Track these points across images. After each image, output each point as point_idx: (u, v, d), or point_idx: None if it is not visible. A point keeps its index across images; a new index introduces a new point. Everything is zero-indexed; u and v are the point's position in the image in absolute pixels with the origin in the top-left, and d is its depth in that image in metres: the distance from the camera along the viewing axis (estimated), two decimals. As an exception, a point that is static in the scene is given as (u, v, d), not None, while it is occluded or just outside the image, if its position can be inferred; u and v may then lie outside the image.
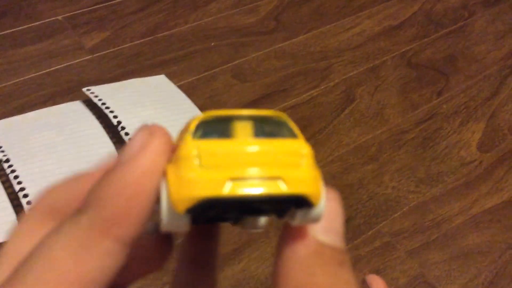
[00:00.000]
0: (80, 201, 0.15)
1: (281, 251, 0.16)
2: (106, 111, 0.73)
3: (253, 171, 0.14)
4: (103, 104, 0.74)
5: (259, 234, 0.63)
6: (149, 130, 0.15)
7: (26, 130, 0.70)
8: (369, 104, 0.83)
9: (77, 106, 0.76)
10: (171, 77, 0.83)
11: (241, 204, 0.14)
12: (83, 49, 0.88)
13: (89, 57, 0.87)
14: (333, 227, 0.16)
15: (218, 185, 0.14)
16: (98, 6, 0.97)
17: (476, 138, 0.79)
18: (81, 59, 0.86)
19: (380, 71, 0.89)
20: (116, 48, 0.89)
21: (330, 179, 0.71)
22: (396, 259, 0.63)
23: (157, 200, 0.14)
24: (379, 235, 0.65)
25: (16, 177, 0.64)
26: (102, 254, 0.13)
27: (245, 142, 0.14)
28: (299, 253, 0.15)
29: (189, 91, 0.81)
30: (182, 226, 0.14)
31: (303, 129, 0.78)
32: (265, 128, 0.15)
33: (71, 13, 0.95)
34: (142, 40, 0.91)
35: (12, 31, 0.91)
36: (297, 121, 0.79)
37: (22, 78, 0.82)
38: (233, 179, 0.14)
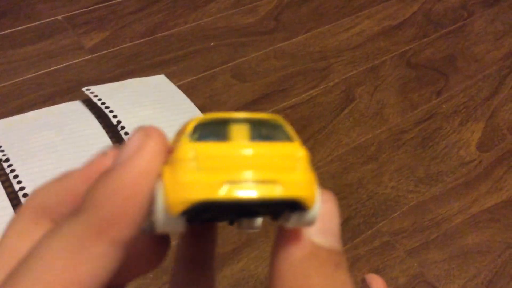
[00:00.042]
0: (71, 199, 0.16)
1: (277, 253, 0.16)
2: (106, 111, 0.73)
3: (248, 174, 0.14)
4: (103, 104, 0.74)
5: (258, 233, 0.63)
6: (145, 131, 0.15)
7: (26, 130, 0.70)
8: (369, 104, 0.83)
9: (76, 106, 0.76)
10: (170, 77, 0.83)
11: (236, 206, 0.14)
12: (82, 49, 0.88)
13: (88, 57, 0.87)
14: (328, 229, 0.16)
15: (213, 188, 0.14)
16: (97, 6, 0.97)
17: (476, 137, 0.79)
18: (80, 59, 0.86)
19: (379, 71, 0.89)
20: (115, 48, 0.89)
21: (330, 178, 0.71)
22: (396, 258, 0.63)
23: (153, 201, 0.14)
24: (379, 235, 0.66)
25: (15, 176, 0.64)
26: (99, 255, 0.13)
27: (241, 145, 0.15)
28: (294, 255, 0.15)
29: (189, 91, 0.81)
30: (177, 227, 0.14)
31: (303, 129, 0.78)
32: (261, 131, 0.16)
33: (71, 13, 0.95)
34: (141, 40, 0.91)
35: (12, 31, 0.91)
36: (296, 121, 0.80)
37: (21, 78, 0.82)
38: (229, 182, 0.14)
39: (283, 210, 0.15)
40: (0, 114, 0.75)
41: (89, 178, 0.15)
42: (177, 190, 0.14)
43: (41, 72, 0.83)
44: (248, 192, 0.14)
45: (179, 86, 0.81)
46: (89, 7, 0.97)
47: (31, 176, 0.64)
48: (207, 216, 0.15)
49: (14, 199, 0.62)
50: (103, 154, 0.16)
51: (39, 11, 0.95)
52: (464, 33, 0.99)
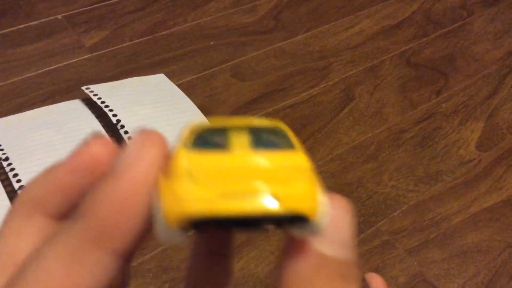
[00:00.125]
0: (59, 191, 0.16)
1: (283, 263, 0.16)
2: (106, 109, 0.73)
3: (247, 187, 0.14)
4: (102, 102, 0.74)
5: (258, 233, 0.63)
6: (146, 137, 0.15)
7: (25, 129, 0.70)
8: (368, 103, 0.83)
9: (76, 105, 0.76)
10: (170, 76, 0.83)
11: (236, 220, 0.14)
12: (82, 48, 0.88)
13: (88, 56, 0.87)
14: (337, 238, 0.15)
15: (210, 202, 0.13)
16: (97, 5, 0.97)
17: (475, 137, 0.79)
18: (80, 58, 0.86)
19: (379, 71, 0.89)
20: (115, 47, 0.89)
21: (329, 178, 0.71)
22: (395, 257, 0.63)
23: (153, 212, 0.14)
24: (378, 234, 0.66)
25: (15, 175, 0.64)
26: (94, 266, 0.13)
27: (240, 156, 0.14)
28: (299, 266, 0.15)
29: (188, 90, 0.81)
30: (178, 239, 0.14)
31: (302, 128, 0.78)
32: (262, 139, 0.15)
33: (70, 12, 0.95)
34: (141, 39, 0.91)
35: (11, 30, 0.90)
36: (296, 120, 0.80)
37: (21, 77, 0.82)
38: (227, 195, 0.13)
39: (286, 222, 0.14)
40: (-1, 113, 0.75)
41: (75, 169, 0.15)
42: (174, 203, 0.13)
43: (40, 71, 0.83)
44: (247, 207, 0.13)
45: (178, 85, 0.81)
46: (88, 6, 0.97)
47: (30, 175, 0.64)
48: (207, 228, 0.15)
49: (14, 198, 0.62)
50: (86, 143, 0.16)
51: (38, 10, 0.95)
52: (463, 33, 1.00)
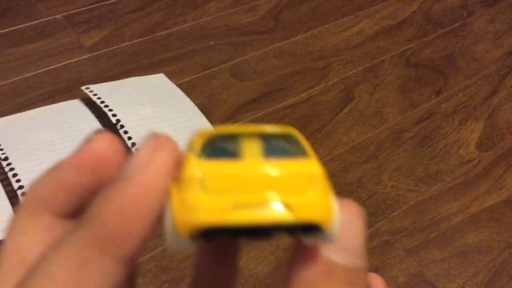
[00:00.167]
0: (64, 189, 0.15)
1: (290, 269, 0.15)
2: (105, 109, 0.73)
3: (260, 197, 0.13)
4: (102, 102, 0.74)
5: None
6: (157, 142, 0.14)
7: (25, 129, 0.70)
8: (368, 103, 0.83)
9: (75, 105, 0.76)
10: (170, 76, 0.83)
11: (247, 229, 0.13)
12: (82, 47, 0.88)
13: (88, 55, 0.87)
14: (348, 245, 0.15)
15: (222, 212, 0.13)
16: (97, 5, 0.97)
17: (475, 137, 0.79)
18: (80, 58, 0.86)
19: (379, 70, 0.89)
20: (115, 47, 0.89)
21: (329, 178, 0.71)
22: (395, 257, 0.63)
23: (163, 220, 0.14)
24: (378, 234, 0.65)
25: (14, 175, 0.64)
26: (101, 273, 0.13)
27: (252, 165, 0.14)
28: (308, 273, 0.15)
29: (188, 90, 0.81)
30: (188, 247, 0.14)
31: (302, 128, 0.78)
32: (274, 147, 0.15)
33: (70, 12, 0.95)
34: (141, 39, 0.91)
35: (11, 30, 0.90)
36: (296, 120, 0.80)
37: (20, 77, 0.82)
38: (238, 205, 0.13)
39: (298, 231, 0.14)
40: (-1, 113, 0.75)
41: (79, 167, 0.15)
42: (185, 213, 0.13)
43: (40, 70, 0.83)
44: (259, 216, 0.13)
45: (178, 85, 0.81)
46: (88, 5, 0.97)
47: (30, 174, 0.64)
48: (217, 237, 0.15)
49: (13, 198, 0.62)
50: (90, 140, 0.15)
51: (38, 10, 0.95)
52: (463, 33, 0.99)
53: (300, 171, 0.14)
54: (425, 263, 0.63)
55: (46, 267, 0.13)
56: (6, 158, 0.66)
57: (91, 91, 0.75)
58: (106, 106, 0.73)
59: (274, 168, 0.14)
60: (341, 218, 0.15)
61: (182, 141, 0.15)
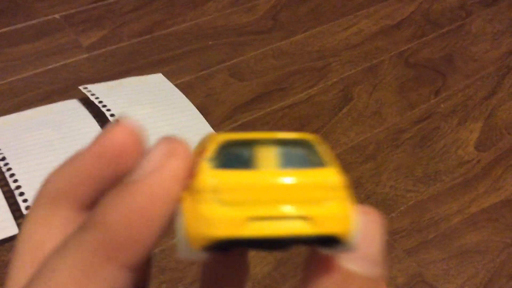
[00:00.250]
0: (85, 180, 0.15)
1: (305, 279, 0.15)
2: (103, 109, 0.72)
3: (277, 209, 0.13)
4: (100, 102, 0.73)
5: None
6: (170, 146, 0.14)
7: (23, 128, 0.70)
8: (367, 103, 0.83)
9: (74, 105, 0.75)
10: (168, 75, 0.83)
11: (263, 242, 0.13)
12: (80, 47, 0.88)
13: (86, 55, 0.87)
14: (366, 254, 0.15)
15: (237, 225, 0.13)
16: (95, 4, 0.97)
17: (474, 137, 0.79)
18: (78, 58, 0.86)
19: (377, 71, 0.89)
20: (113, 47, 0.89)
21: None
22: (394, 258, 0.63)
23: (174, 227, 0.13)
24: (377, 234, 0.65)
25: (12, 175, 0.63)
26: (107, 280, 0.13)
27: (268, 175, 0.13)
28: (324, 283, 0.14)
29: (187, 89, 0.81)
30: (199, 258, 0.13)
31: (301, 128, 0.77)
32: (291, 155, 0.14)
33: (68, 12, 0.95)
34: (139, 39, 0.91)
35: (9, 29, 0.90)
36: (294, 120, 0.80)
37: (18, 76, 0.81)
38: (254, 218, 0.13)
39: (316, 243, 0.14)
40: (-4, 113, 0.74)
41: (100, 156, 0.15)
42: (199, 225, 0.13)
43: (38, 70, 0.83)
44: (276, 229, 0.13)
45: (177, 85, 0.81)
46: (86, 5, 0.97)
47: (27, 175, 0.64)
48: (232, 249, 0.14)
49: (10, 198, 0.62)
50: (110, 129, 0.15)
51: (36, 9, 0.95)
52: (462, 33, 0.99)
53: (319, 181, 0.13)
54: (424, 264, 0.63)
55: (49, 274, 0.13)
56: (3, 158, 0.65)
57: (89, 91, 0.75)
58: (104, 106, 0.73)
59: (291, 178, 0.13)
60: (360, 227, 0.14)
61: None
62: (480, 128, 0.81)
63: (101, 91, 0.76)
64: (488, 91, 0.87)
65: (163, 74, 0.83)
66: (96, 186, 0.15)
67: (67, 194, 0.15)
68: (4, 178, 0.64)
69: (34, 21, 0.92)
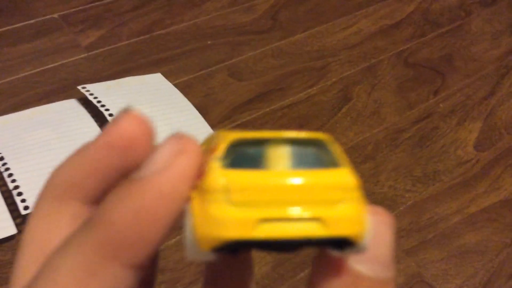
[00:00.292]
0: (95, 172, 0.14)
1: (314, 281, 0.15)
2: (102, 109, 0.72)
3: (289, 211, 0.13)
4: (99, 102, 0.73)
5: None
6: (180, 143, 0.13)
7: (21, 128, 0.70)
8: (366, 103, 0.83)
9: (72, 104, 0.75)
10: (167, 75, 0.83)
11: (274, 244, 0.13)
12: (78, 47, 0.88)
13: (84, 55, 0.86)
14: (376, 256, 0.14)
15: (248, 226, 0.12)
16: (94, 4, 0.97)
17: (473, 137, 0.79)
18: (76, 57, 0.86)
19: (377, 70, 0.89)
20: (112, 46, 0.88)
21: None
22: (393, 258, 0.63)
23: (182, 227, 0.13)
24: (376, 234, 0.65)
25: (10, 175, 0.63)
26: (110, 280, 0.12)
27: (280, 176, 0.13)
28: (332, 286, 0.14)
29: (185, 89, 0.80)
30: (208, 259, 0.13)
31: (300, 128, 0.77)
32: (304, 155, 0.14)
33: (67, 11, 0.95)
34: (138, 38, 0.90)
35: (7, 29, 0.90)
36: (293, 120, 0.80)
37: (16, 76, 0.81)
38: (265, 220, 0.13)
39: (328, 245, 0.13)
40: (-5, 112, 0.74)
41: (109, 147, 0.14)
42: (208, 225, 0.12)
43: (36, 70, 0.83)
44: (288, 231, 0.12)
45: (175, 85, 0.81)
46: (85, 5, 0.96)
47: (25, 174, 0.63)
48: (242, 250, 0.14)
49: (8, 198, 0.62)
50: (118, 119, 0.14)
51: (35, 9, 0.95)
52: (461, 33, 0.99)
53: (332, 182, 0.13)
54: (423, 264, 0.63)
55: (50, 274, 0.13)
56: (1, 158, 0.65)
57: (87, 91, 0.75)
58: (103, 105, 0.73)
59: (303, 178, 0.13)
60: (372, 228, 0.14)
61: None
62: (479, 128, 0.81)
63: (99, 91, 0.75)
64: (487, 91, 0.87)
65: (162, 74, 0.83)
66: (105, 179, 0.14)
67: (75, 188, 0.15)
68: (2, 178, 0.64)
69: (32, 21, 0.92)
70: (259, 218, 0.12)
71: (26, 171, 0.64)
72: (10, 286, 0.14)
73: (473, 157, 0.76)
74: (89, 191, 0.15)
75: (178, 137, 0.14)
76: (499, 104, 0.85)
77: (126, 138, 0.14)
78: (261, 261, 0.61)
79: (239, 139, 0.14)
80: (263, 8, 1.00)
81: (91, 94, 0.74)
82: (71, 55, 0.86)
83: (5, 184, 0.63)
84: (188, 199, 0.13)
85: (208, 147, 0.14)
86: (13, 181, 0.62)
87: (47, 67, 0.83)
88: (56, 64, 0.84)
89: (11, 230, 0.59)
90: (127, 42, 0.90)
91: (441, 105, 0.84)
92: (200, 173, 0.13)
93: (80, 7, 0.96)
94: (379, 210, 0.15)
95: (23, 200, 0.60)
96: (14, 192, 0.61)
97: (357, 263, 0.14)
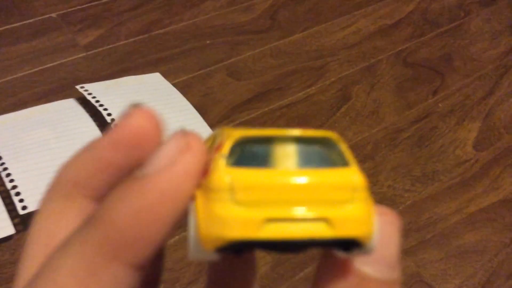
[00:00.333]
0: (102, 170, 0.14)
1: (319, 282, 0.14)
2: (100, 108, 0.72)
3: (295, 211, 0.12)
4: (97, 101, 0.73)
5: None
6: (185, 140, 0.13)
7: (19, 128, 0.70)
8: (365, 102, 0.83)
9: (70, 104, 0.75)
10: (166, 75, 0.83)
11: (280, 245, 0.13)
12: (77, 46, 0.87)
13: (83, 54, 0.86)
14: (383, 257, 0.14)
15: (253, 226, 0.12)
16: (92, 3, 0.97)
17: (472, 137, 0.79)
18: (75, 57, 0.85)
19: (376, 70, 0.89)
20: (110, 46, 0.88)
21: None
22: (392, 258, 0.63)
23: (186, 227, 0.13)
24: (375, 234, 0.65)
25: (8, 175, 0.63)
26: (110, 280, 0.12)
27: (287, 174, 0.13)
28: (338, 286, 0.14)
29: (184, 89, 0.80)
30: (211, 259, 0.13)
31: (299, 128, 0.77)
32: (311, 154, 0.14)
33: (65, 11, 0.94)
34: (136, 38, 0.90)
35: (6, 28, 0.90)
36: (292, 120, 0.79)
37: (15, 76, 0.81)
38: (271, 220, 0.12)
39: (335, 246, 0.13)
40: (-7, 112, 0.74)
41: (118, 143, 0.14)
42: (212, 225, 0.12)
43: (35, 69, 0.83)
44: (294, 232, 0.12)
45: (174, 84, 0.81)
46: (84, 4, 0.96)
47: (24, 174, 0.63)
48: (246, 250, 0.14)
49: (7, 198, 0.62)
50: (127, 115, 0.14)
51: (33, 8, 0.94)
52: (460, 32, 0.99)
53: (340, 181, 0.13)
54: (422, 264, 0.63)
55: (51, 274, 0.12)
56: (-1, 158, 0.65)
57: (86, 90, 0.75)
58: (101, 105, 0.72)
59: (310, 177, 0.13)
60: (379, 229, 0.14)
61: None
62: (478, 127, 0.81)
63: (98, 91, 0.75)
64: (486, 91, 0.87)
65: (160, 73, 0.83)
66: (113, 175, 0.14)
67: (83, 184, 0.14)
68: (0, 178, 0.63)
69: (30, 20, 0.92)
70: (264, 218, 0.12)
71: (24, 170, 0.64)
72: (14, 284, 0.14)
73: (472, 157, 0.76)
74: (96, 188, 0.14)
75: (182, 134, 0.13)
76: (498, 103, 0.85)
77: (135, 134, 0.14)
78: (260, 261, 0.61)
79: (245, 137, 0.13)
80: (262, 7, 1.00)
81: (90, 94, 0.74)
82: (70, 54, 0.86)
83: (3, 184, 0.63)
84: (192, 198, 0.13)
85: (212, 144, 0.14)
86: (11, 181, 0.62)
87: (45, 66, 0.83)
88: (54, 63, 0.84)
89: (9, 230, 0.59)
90: (125, 41, 0.89)
91: (440, 105, 0.84)
92: (204, 171, 0.13)
93: (79, 7, 0.96)
94: (386, 210, 0.15)
95: (21, 200, 0.60)
96: (12, 192, 0.61)
97: (363, 265, 0.14)
